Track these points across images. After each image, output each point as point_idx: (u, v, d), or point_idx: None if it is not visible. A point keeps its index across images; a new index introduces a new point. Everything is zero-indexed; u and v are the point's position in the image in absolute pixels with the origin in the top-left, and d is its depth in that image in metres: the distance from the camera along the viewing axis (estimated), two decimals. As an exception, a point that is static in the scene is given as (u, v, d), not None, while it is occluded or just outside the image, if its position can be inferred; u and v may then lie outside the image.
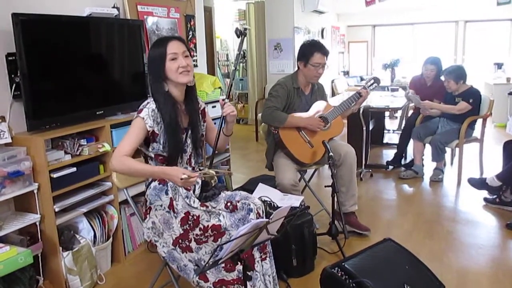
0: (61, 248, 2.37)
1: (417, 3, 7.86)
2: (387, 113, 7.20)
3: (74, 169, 2.39)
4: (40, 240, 2.34)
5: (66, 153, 2.39)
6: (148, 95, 2.10)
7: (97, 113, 2.64)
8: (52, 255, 2.38)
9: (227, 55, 8.15)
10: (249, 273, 1.72)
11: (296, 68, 3.19)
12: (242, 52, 7.91)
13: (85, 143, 2.49)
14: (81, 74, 2.60)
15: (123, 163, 1.92)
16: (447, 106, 4.38)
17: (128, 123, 2.72)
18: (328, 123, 3.11)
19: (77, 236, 2.51)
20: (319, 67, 3.04)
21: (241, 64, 8.15)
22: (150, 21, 3.20)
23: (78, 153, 2.45)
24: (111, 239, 2.72)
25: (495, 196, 3.71)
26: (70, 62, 2.52)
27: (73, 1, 2.68)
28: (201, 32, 3.87)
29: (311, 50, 3.04)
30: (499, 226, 3.34)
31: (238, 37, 2.43)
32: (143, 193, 2.92)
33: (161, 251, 2.06)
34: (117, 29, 2.82)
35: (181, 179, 1.82)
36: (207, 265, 1.62)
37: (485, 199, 3.79)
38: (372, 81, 3.29)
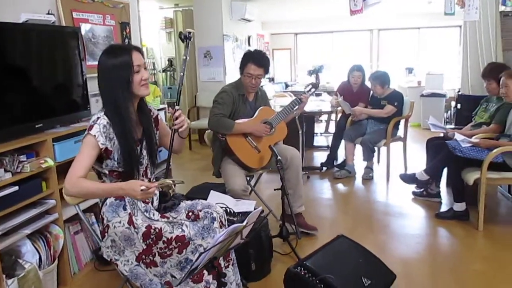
0: (4, 276, 2.17)
1: (335, 12, 8.33)
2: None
3: (17, 187, 2.20)
4: (-21, 268, 2.12)
5: (6, 171, 2.19)
6: (101, 110, 1.97)
7: (36, 126, 2.46)
8: (-6, 284, 2.17)
9: (153, 63, 7.97)
10: (223, 280, 1.72)
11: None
12: (169, 61, 7.78)
13: (25, 159, 2.31)
14: (16, 85, 2.39)
15: (78, 186, 1.81)
16: (376, 110, 4.71)
17: (70, 136, 2.62)
18: (273, 128, 3.20)
19: (20, 260, 2.31)
20: (252, 78, 3.09)
21: (168, 73, 8.03)
22: (85, 29, 3.05)
23: (19, 170, 2.26)
24: (56, 261, 2.54)
25: (422, 190, 4.05)
26: (2, 72, 2.31)
27: (7, 7, 2.47)
28: (136, 40, 3.77)
29: (247, 60, 3.11)
30: (429, 216, 3.66)
31: (183, 41, 2.41)
32: (90, 209, 2.81)
33: (122, 269, 1.96)
34: (54, 37, 2.65)
35: (141, 190, 1.73)
36: (184, 275, 1.58)
37: (414, 193, 4.13)
38: (310, 86, 3.46)
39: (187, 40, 2.26)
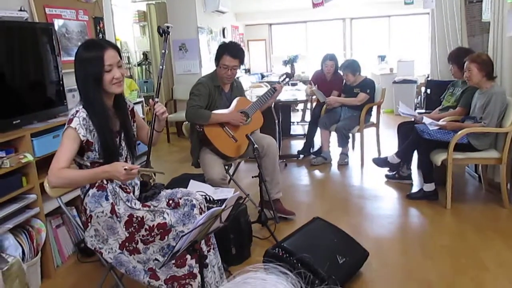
0: (-12, 269, 2.21)
1: (308, 2, 8.42)
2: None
3: (-3, 183, 2.24)
4: (-37, 264, 2.15)
5: (-15, 167, 2.22)
6: (79, 103, 2.02)
7: (14, 122, 2.48)
8: (-21, 278, 2.20)
9: (128, 57, 7.92)
10: (205, 261, 1.81)
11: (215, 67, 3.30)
12: (144, 54, 7.74)
13: (5, 155, 2.34)
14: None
15: (61, 177, 1.86)
16: (350, 99, 4.85)
17: (48, 131, 2.65)
18: (249, 117, 3.28)
19: (3, 254, 2.34)
20: (227, 69, 3.15)
21: (143, 66, 7.99)
22: (59, 24, 3.06)
23: (-2, 166, 2.29)
24: (39, 254, 2.58)
25: (394, 172, 4.22)
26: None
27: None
28: (110, 35, 3.79)
29: (222, 52, 3.17)
30: (401, 197, 3.82)
31: (161, 36, 2.46)
32: (71, 202, 2.85)
33: (107, 257, 2.03)
34: (27, 33, 2.66)
35: (125, 169, 1.80)
36: (167, 258, 1.67)
37: (386, 176, 4.29)
38: (284, 76, 3.56)
39: (166, 35, 2.31)
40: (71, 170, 1.91)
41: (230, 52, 3.13)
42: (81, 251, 2.94)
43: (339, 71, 5.12)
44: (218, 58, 3.17)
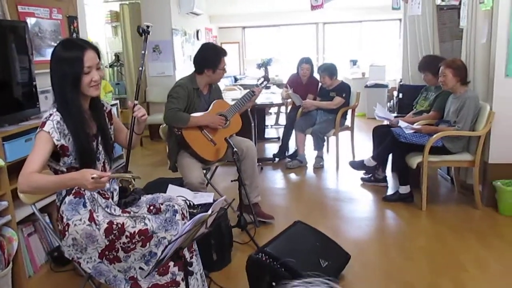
0: (-44, 281, 2.08)
1: (281, 6, 8.48)
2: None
3: (-34, 190, 2.12)
4: None
5: (-47, 173, 2.10)
6: (52, 106, 1.93)
7: (-16, 125, 2.37)
8: None
9: (99, 58, 7.72)
10: (190, 268, 1.76)
11: (193, 70, 3.25)
12: (116, 56, 7.57)
13: (-27, 160, 2.22)
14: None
15: (31, 181, 1.75)
16: (326, 102, 4.89)
17: (21, 134, 2.54)
18: (228, 120, 3.25)
19: (-28, 265, 2.22)
20: (224, 70, 3.23)
21: (115, 68, 7.82)
22: (31, 23, 2.94)
23: (-33, 172, 2.17)
24: (11, 264, 2.46)
25: (370, 175, 4.28)
26: None
27: None
28: (84, 35, 3.68)
29: (219, 57, 3.18)
30: (377, 199, 3.87)
31: (141, 35, 2.40)
32: (44, 209, 2.73)
33: (85, 267, 1.94)
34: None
35: (92, 178, 1.67)
36: (152, 267, 1.61)
37: (362, 179, 4.34)
38: (262, 79, 3.55)
39: (146, 34, 2.25)
40: (40, 175, 1.80)
41: (224, 53, 3.22)
42: (54, 260, 2.83)
43: (316, 73, 5.16)
44: (215, 63, 3.14)
